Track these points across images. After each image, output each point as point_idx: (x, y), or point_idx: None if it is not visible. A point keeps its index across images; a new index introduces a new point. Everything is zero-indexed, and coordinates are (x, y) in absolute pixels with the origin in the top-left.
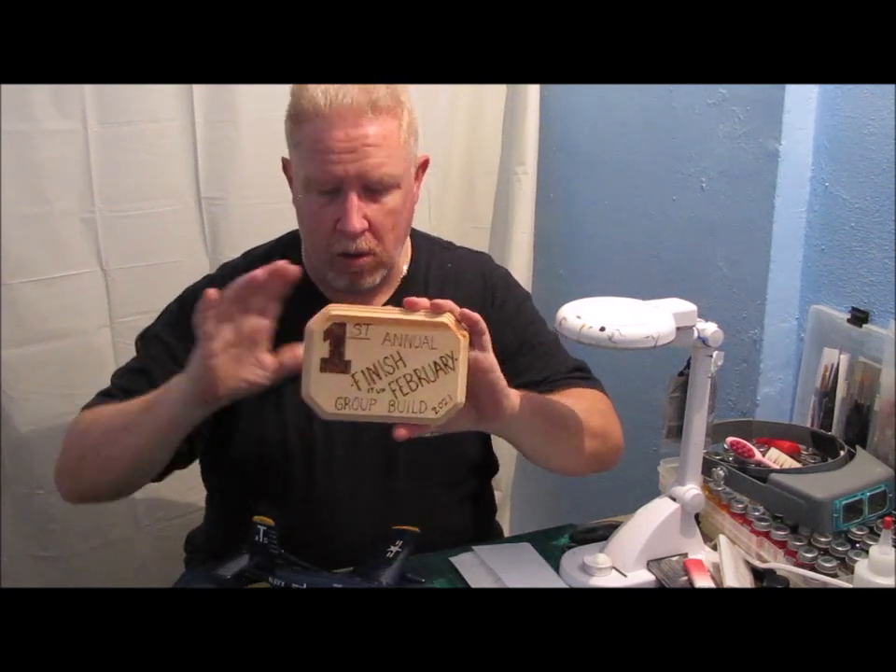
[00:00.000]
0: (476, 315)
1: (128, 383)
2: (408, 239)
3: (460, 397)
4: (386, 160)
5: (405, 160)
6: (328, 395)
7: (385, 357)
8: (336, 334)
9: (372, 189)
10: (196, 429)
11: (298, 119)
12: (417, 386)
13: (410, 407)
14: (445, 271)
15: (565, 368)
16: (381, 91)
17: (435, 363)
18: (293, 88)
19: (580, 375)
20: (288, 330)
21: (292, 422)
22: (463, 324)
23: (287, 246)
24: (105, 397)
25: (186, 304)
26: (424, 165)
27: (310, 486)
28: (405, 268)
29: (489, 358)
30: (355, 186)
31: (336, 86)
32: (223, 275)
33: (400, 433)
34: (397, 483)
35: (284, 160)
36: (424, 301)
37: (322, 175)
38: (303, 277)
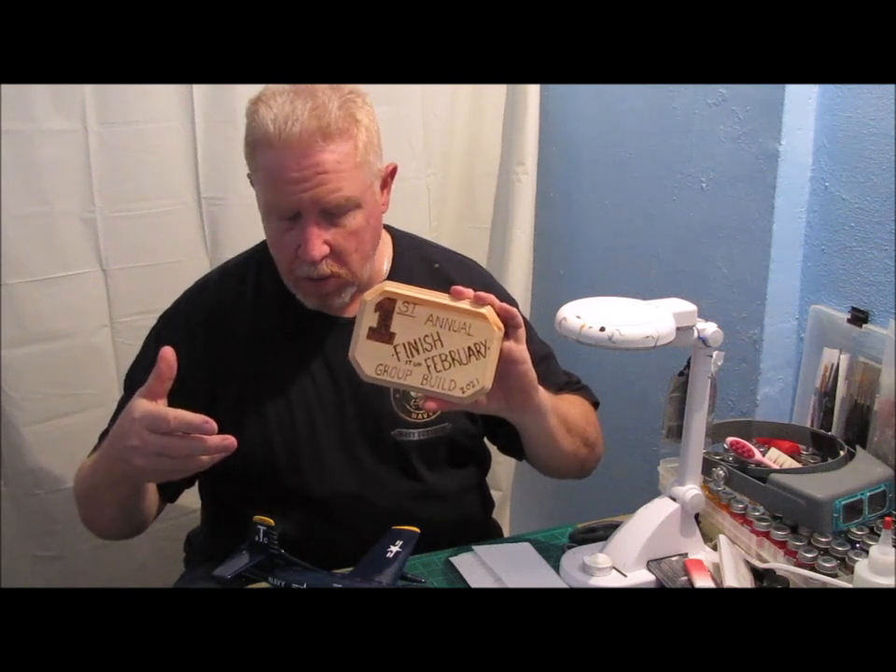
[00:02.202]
0: (514, 311)
1: None
2: (387, 241)
3: (487, 382)
4: (342, 184)
5: (363, 179)
6: (370, 360)
7: (426, 336)
8: (386, 308)
9: (332, 213)
10: None
11: (252, 146)
12: (450, 366)
13: (440, 384)
14: (433, 270)
15: (562, 379)
16: (333, 113)
17: (469, 348)
18: (247, 110)
19: (577, 387)
20: (270, 337)
21: (275, 427)
22: (500, 317)
23: (262, 254)
24: (101, 441)
25: (161, 336)
26: (392, 173)
27: (304, 488)
28: (386, 268)
29: (522, 351)
30: (312, 213)
31: (285, 113)
32: (199, 292)
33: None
34: (393, 480)
35: (249, 176)
36: (469, 292)
37: (279, 204)
38: (281, 286)
